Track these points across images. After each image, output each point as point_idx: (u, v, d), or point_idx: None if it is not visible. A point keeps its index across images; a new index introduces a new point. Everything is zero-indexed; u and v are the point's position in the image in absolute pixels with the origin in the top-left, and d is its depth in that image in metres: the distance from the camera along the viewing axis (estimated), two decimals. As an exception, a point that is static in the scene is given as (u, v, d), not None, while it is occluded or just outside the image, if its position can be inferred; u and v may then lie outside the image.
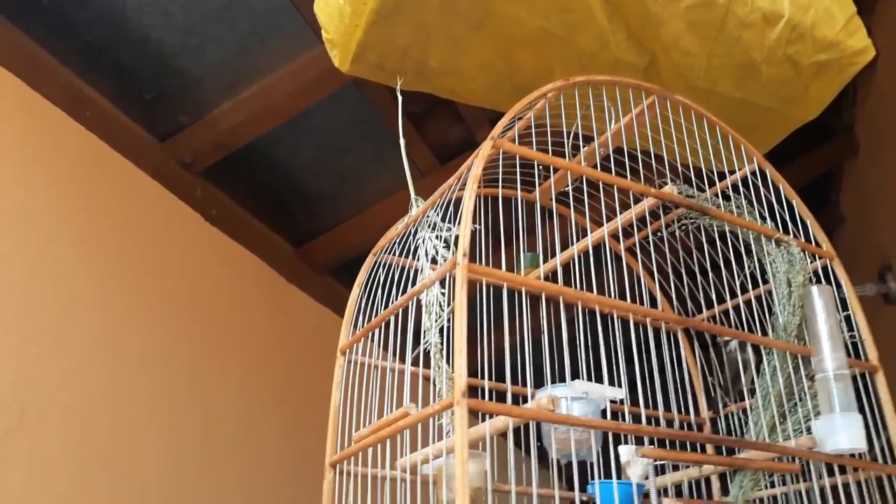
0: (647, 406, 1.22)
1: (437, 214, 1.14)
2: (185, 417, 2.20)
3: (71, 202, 1.96)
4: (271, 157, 2.51)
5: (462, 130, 2.64)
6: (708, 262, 1.30)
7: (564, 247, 1.27)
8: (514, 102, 1.73)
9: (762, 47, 1.54)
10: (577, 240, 1.31)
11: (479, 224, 1.08)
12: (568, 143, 1.21)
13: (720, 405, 1.46)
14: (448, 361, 1.11)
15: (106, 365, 1.96)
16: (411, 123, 2.49)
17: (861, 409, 1.18)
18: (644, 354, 1.07)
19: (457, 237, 1.00)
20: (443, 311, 1.07)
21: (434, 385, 1.13)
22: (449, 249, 1.10)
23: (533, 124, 1.17)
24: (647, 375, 1.07)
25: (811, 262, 1.32)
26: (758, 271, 1.31)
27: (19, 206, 1.81)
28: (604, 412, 1.15)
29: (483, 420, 1.02)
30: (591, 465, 1.11)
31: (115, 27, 2.00)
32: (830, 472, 1.20)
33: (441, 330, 1.10)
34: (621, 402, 1.12)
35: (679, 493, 1.33)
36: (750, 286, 1.32)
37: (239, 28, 2.09)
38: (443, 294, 1.07)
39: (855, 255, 3.62)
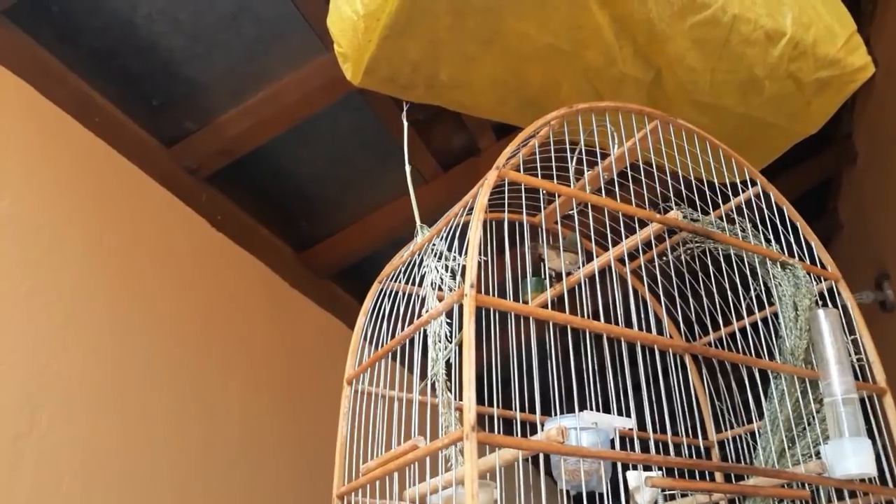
0: (654, 430, 1.22)
1: (444, 242, 1.14)
2: (189, 420, 2.21)
3: (79, 207, 1.97)
4: (275, 163, 2.51)
5: (465, 138, 2.64)
6: (714, 286, 1.29)
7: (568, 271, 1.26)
8: (520, 115, 1.74)
9: (765, 64, 1.54)
10: (583, 264, 1.31)
11: (485, 253, 1.07)
12: (572, 167, 1.21)
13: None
14: (453, 391, 1.11)
15: (112, 369, 1.97)
16: (415, 130, 2.48)
17: (869, 433, 1.18)
18: (651, 379, 1.07)
19: (464, 267, 1.00)
20: (449, 341, 1.07)
21: (441, 415, 1.12)
22: (455, 279, 1.09)
23: (537, 150, 1.16)
24: (654, 400, 1.07)
25: (817, 285, 1.32)
26: (763, 294, 1.30)
27: (28, 210, 1.81)
28: (612, 440, 1.15)
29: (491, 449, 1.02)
30: (600, 493, 1.11)
31: (124, 34, 1.99)
32: (840, 497, 1.20)
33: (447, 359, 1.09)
34: (630, 429, 1.12)
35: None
36: (756, 309, 1.32)
37: (246, 36, 2.09)
38: (449, 324, 1.07)
39: (852, 262, 3.61)
